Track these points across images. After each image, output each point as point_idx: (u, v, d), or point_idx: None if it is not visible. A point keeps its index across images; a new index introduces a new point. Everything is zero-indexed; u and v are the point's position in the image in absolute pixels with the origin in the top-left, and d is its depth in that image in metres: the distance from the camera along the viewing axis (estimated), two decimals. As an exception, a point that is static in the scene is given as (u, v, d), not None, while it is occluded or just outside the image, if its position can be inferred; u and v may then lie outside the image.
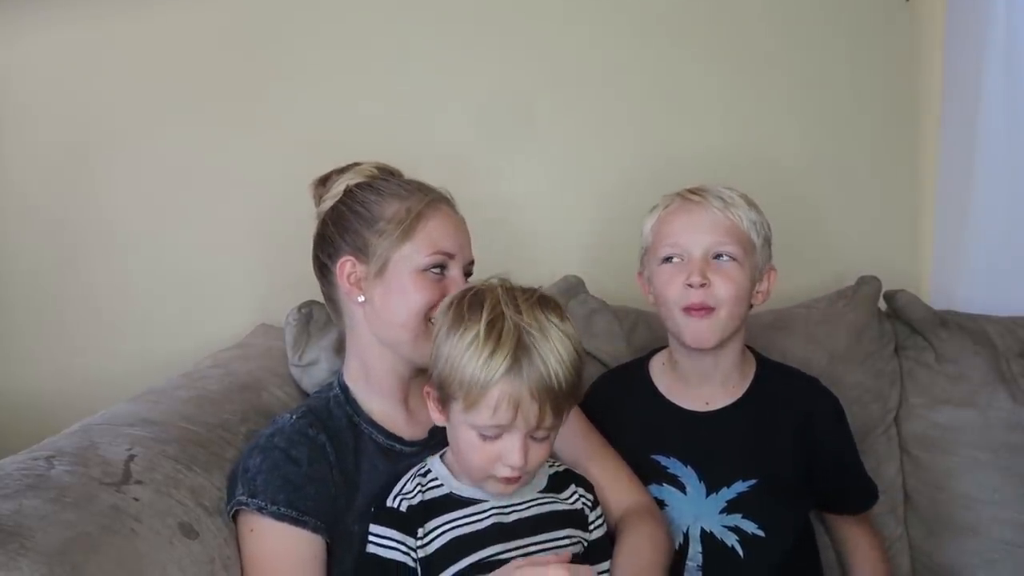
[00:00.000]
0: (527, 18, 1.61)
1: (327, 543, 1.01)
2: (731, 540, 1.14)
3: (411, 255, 1.08)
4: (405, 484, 1.02)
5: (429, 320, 1.07)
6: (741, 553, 1.14)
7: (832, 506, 1.25)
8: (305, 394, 1.33)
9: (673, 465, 1.18)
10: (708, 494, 1.16)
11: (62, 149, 1.54)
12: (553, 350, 0.92)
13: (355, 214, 1.10)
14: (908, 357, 1.45)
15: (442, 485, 1.01)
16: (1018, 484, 1.34)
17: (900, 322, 1.49)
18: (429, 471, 1.03)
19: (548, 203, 1.64)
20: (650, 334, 1.43)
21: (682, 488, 1.17)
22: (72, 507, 0.84)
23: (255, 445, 1.04)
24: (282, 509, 0.98)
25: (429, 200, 1.10)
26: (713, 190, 1.17)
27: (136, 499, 0.90)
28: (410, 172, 1.17)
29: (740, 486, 1.15)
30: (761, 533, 1.14)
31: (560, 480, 1.06)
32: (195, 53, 1.54)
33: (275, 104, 1.57)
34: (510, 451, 0.93)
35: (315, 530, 0.99)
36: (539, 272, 1.51)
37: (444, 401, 0.97)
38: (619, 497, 1.13)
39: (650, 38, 1.62)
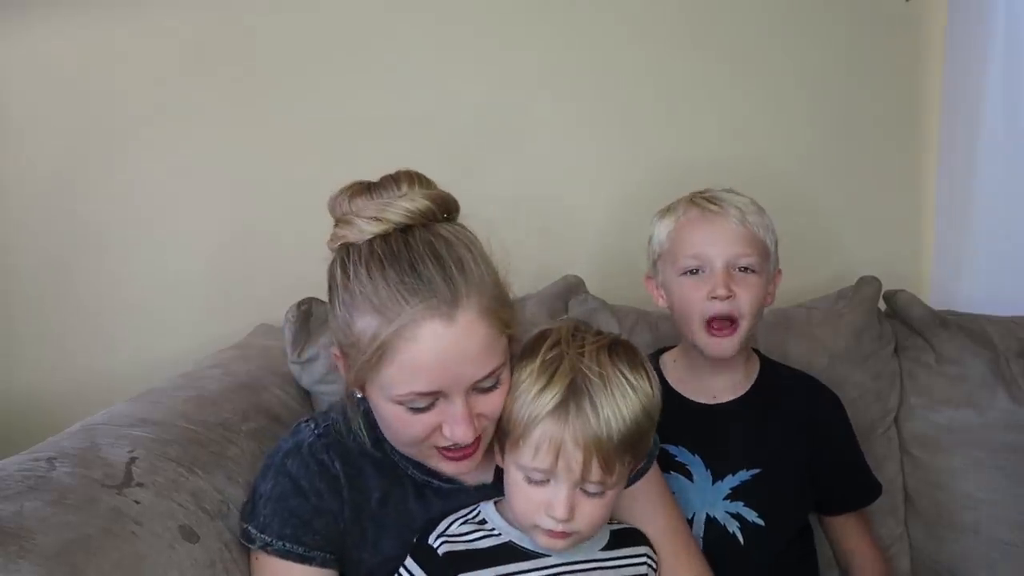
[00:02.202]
0: (528, 17, 1.60)
1: (340, 572, 0.97)
2: (733, 527, 1.17)
3: (385, 386, 0.86)
4: (452, 525, 0.95)
5: (437, 447, 0.91)
6: (741, 540, 1.16)
7: (833, 505, 1.26)
8: (305, 393, 1.34)
9: (681, 453, 1.20)
10: (714, 481, 1.19)
11: (61, 150, 1.54)
12: (610, 400, 0.87)
13: (335, 305, 0.89)
14: (908, 357, 1.45)
15: (500, 534, 0.94)
16: (1018, 484, 1.33)
17: (900, 322, 1.49)
18: (485, 521, 0.95)
19: (547, 204, 1.64)
20: (650, 334, 1.43)
21: (689, 476, 1.19)
22: (73, 509, 0.84)
23: (270, 464, 0.97)
24: (287, 545, 0.93)
25: (400, 327, 0.83)
26: (728, 198, 1.18)
27: (137, 502, 0.90)
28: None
29: (744, 474, 1.18)
30: (761, 522, 1.17)
31: (624, 538, 0.99)
32: (193, 54, 1.54)
33: (274, 104, 1.57)
34: (554, 501, 0.87)
35: (323, 564, 0.94)
36: (539, 272, 1.53)
37: (503, 445, 0.92)
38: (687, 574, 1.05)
39: (649, 39, 1.62)
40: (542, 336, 0.93)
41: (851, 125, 1.67)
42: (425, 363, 0.84)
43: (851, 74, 1.66)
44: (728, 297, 1.13)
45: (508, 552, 0.93)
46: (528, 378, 0.89)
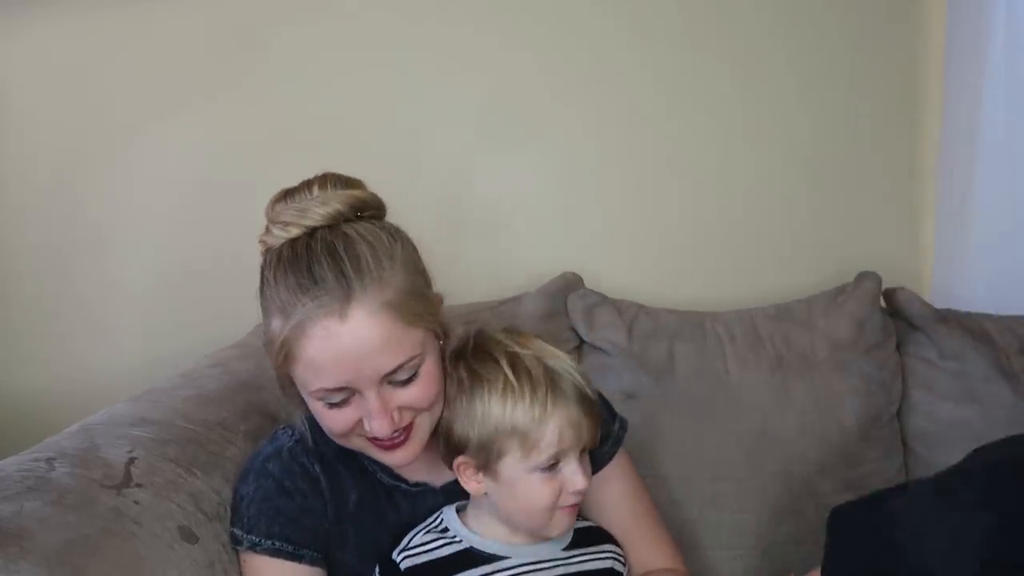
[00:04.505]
0: (528, 18, 1.60)
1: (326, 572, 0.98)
2: None
3: (301, 384, 0.90)
4: (415, 536, 0.97)
5: (366, 438, 0.92)
6: None
7: None
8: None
9: None
10: None
11: (59, 150, 1.54)
12: (570, 368, 0.93)
13: (262, 309, 0.92)
14: (909, 354, 1.44)
15: (461, 541, 0.96)
16: (1020, 482, 1.32)
17: (900, 319, 1.48)
18: (447, 529, 0.98)
19: (546, 202, 1.64)
20: (652, 325, 1.44)
21: None
22: (72, 509, 0.84)
23: (250, 468, 0.99)
24: (277, 543, 0.94)
25: (295, 324, 0.85)
26: None
27: (136, 502, 0.90)
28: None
29: None
30: None
31: (588, 536, 1.01)
32: (190, 54, 1.54)
33: (272, 104, 1.57)
34: (573, 477, 0.91)
35: (312, 562, 0.96)
36: (538, 270, 1.53)
37: (488, 464, 0.92)
38: (656, 560, 1.05)
39: (649, 39, 1.62)
40: (478, 352, 0.94)
41: (851, 125, 1.67)
42: (324, 360, 0.86)
43: (851, 73, 1.66)
44: None
45: (468, 558, 0.95)
46: (508, 390, 0.91)
